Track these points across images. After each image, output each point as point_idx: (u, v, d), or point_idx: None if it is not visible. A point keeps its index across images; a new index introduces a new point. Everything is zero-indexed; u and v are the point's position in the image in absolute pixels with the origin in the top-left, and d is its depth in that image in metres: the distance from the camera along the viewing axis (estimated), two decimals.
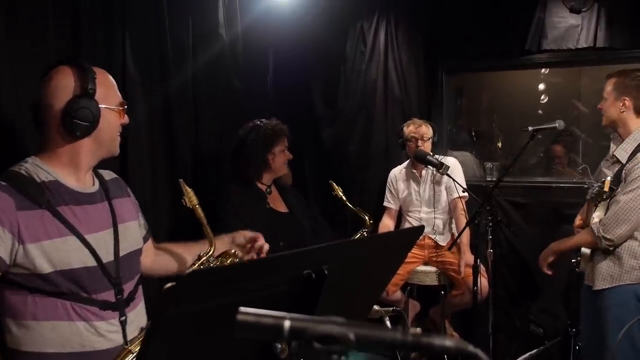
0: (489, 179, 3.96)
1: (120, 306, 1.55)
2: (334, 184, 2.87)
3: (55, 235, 1.44)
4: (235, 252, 1.88)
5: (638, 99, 2.54)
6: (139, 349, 1.47)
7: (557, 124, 2.91)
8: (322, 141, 4.12)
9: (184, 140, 2.99)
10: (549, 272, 2.77)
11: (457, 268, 3.33)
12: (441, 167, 3.09)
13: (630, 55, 3.47)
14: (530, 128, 2.93)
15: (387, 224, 3.66)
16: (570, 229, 2.83)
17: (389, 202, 3.68)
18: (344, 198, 2.85)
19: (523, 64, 3.85)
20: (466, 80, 4.51)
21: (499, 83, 4.68)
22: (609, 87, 2.61)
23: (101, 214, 1.59)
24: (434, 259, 3.49)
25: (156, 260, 1.86)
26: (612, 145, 2.69)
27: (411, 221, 3.59)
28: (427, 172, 3.53)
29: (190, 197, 1.79)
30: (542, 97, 4.57)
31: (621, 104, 2.56)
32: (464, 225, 3.15)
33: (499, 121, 4.68)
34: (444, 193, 3.52)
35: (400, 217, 3.72)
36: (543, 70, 4.35)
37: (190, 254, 1.86)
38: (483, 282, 3.13)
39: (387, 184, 3.70)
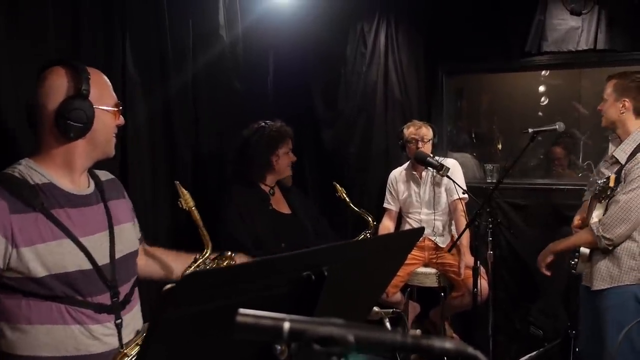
0: (489, 181, 3.96)
1: (116, 309, 1.54)
2: (338, 185, 2.87)
3: (49, 238, 1.42)
4: (231, 254, 1.87)
5: (638, 100, 2.56)
6: (138, 351, 1.46)
7: (557, 126, 2.92)
8: (322, 143, 4.12)
9: (184, 141, 2.99)
10: (548, 273, 2.78)
11: (457, 270, 3.33)
12: (441, 169, 3.09)
13: (630, 57, 3.47)
14: (530, 130, 2.93)
15: (387, 225, 3.65)
16: (570, 230, 2.83)
17: (389, 204, 3.68)
18: (348, 199, 2.85)
19: (523, 66, 3.85)
20: (466, 82, 4.51)
21: (499, 85, 4.68)
22: (608, 88, 2.63)
23: (96, 216, 1.57)
24: (434, 260, 3.49)
25: (144, 264, 1.83)
26: (610, 146, 2.70)
27: (411, 223, 3.59)
28: (427, 174, 3.53)
29: (187, 199, 1.79)
30: (543, 99, 4.57)
31: (621, 105, 2.58)
32: (464, 226, 3.15)
33: (499, 123, 4.68)
34: (444, 195, 3.52)
35: (400, 218, 3.71)
36: (543, 72, 4.35)
37: (179, 263, 1.83)
38: (483, 283, 3.12)
39: (387, 185, 3.70)
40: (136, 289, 1.67)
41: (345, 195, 2.86)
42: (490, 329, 3.03)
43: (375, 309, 2.24)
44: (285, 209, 3.05)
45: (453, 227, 3.55)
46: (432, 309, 3.72)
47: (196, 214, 1.80)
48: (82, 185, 1.58)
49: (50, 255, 1.41)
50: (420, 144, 3.44)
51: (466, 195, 3.25)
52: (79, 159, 1.54)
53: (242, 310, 0.69)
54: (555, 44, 3.61)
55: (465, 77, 4.37)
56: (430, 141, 3.50)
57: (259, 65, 3.76)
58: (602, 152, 3.02)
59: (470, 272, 2.99)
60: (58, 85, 1.49)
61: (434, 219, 3.52)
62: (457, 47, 3.83)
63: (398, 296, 3.45)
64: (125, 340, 1.54)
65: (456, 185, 3.16)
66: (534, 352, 3.03)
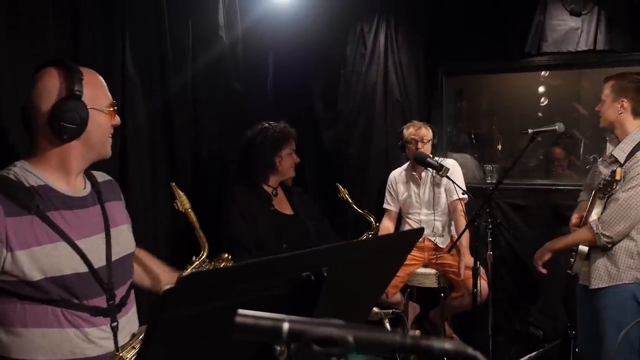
0: (489, 181, 3.96)
1: (112, 312, 1.52)
2: (340, 186, 2.87)
3: (45, 241, 1.41)
4: (228, 256, 1.86)
5: (635, 101, 2.59)
6: (138, 351, 1.45)
7: (557, 127, 2.93)
8: (322, 143, 4.12)
9: (184, 141, 2.99)
10: (544, 271, 2.79)
11: (457, 270, 3.33)
12: (441, 169, 3.09)
13: (630, 58, 3.48)
14: (530, 130, 2.93)
15: (387, 226, 3.65)
16: (569, 230, 2.84)
17: (389, 204, 3.68)
18: (350, 200, 2.86)
19: (523, 67, 3.85)
20: (466, 83, 4.51)
21: (499, 85, 4.68)
22: (606, 89, 2.66)
23: (93, 218, 1.56)
24: (434, 261, 3.49)
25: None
26: (608, 146, 2.72)
27: (411, 223, 3.59)
28: (427, 174, 3.53)
29: (183, 201, 1.78)
30: (542, 99, 4.56)
31: (619, 106, 2.60)
32: (463, 227, 3.15)
33: (498, 123, 4.68)
34: (443, 195, 3.53)
35: (400, 219, 3.71)
36: (543, 72, 4.35)
37: (164, 276, 1.81)
38: (483, 284, 3.12)
39: (387, 186, 3.70)
40: (132, 291, 1.65)
41: (347, 197, 2.87)
42: (490, 329, 3.03)
43: (375, 309, 2.23)
44: (288, 210, 3.05)
45: (453, 228, 3.55)
46: (431, 309, 3.72)
47: (192, 216, 1.79)
48: (78, 187, 1.56)
49: (46, 259, 1.39)
50: (419, 145, 3.44)
51: (466, 196, 3.25)
52: (74, 160, 1.52)
53: (241, 311, 0.69)
54: (555, 44, 3.61)
55: (465, 77, 4.37)
56: (430, 142, 3.50)
57: (258, 66, 3.76)
58: (601, 152, 3.02)
59: (470, 273, 2.99)
60: (51, 86, 1.47)
61: (434, 220, 3.52)
62: (456, 48, 3.83)
63: (398, 297, 3.45)
64: (120, 343, 1.53)
65: (456, 186, 3.16)
66: (534, 353, 3.03)
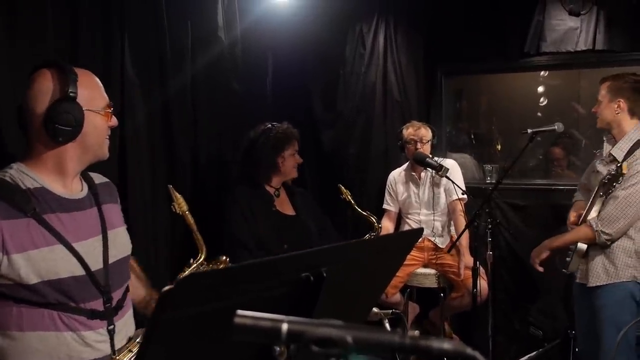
0: (488, 181, 3.96)
1: (109, 315, 1.51)
2: (342, 187, 2.87)
3: (42, 244, 1.39)
4: (226, 258, 1.86)
5: (632, 101, 2.61)
6: (137, 352, 1.45)
7: (556, 127, 2.93)
8: (322, 144, 4.11)
9: (183, 142, 2.99)
10: (541, 269, 2.80)
11: (457, 270, 3.33)
12: (440, 170, 3.09)
13: (629, 57, 3.48)
14: (529, 130, 2.93)
15: (386, 226, 3.65)
16: (568, 230, 2.84)
17: (389, 205, 3.68)
18: (353, 202, 2.86)
19: (522, 67, 3.85)
20: (465, 83, 4.51)
21: (498, 85, 4.68)
22: (603, 90, 2.68)
23: (90, 221, 1.54)
24: (434, 261, 3.49)
25: None
26: (605, 145, 2.74)
27: (410, 223, 3.59)
28: (426, 175, 3.53)
29: (180, 204, 1.78)
30: (541, 99, 4.56)
31: (616, 106, 2.62)
32: (463, 227, 3.15)
33: (498, 123, 4.68)
34: (443, 195, 3.53)
35: (399, 219, 3.71)
36: (542, 72, 4.35)
37: (142, 290, 1.78)
38: (482, 284, 3.12)
39: (387, 186, 3.70)
40: (128, 294, 1.64)
41: (350, 198, 2.87)
42: (490, 329, 3.03)
43: (375, 309, 2.23)
44: (290, 211, 3.05)
45: (452, 228, 3.55)
46: (431, 309, 3.72)
47: (190, 219, 1.78)
48: (74, 189, 1.55)
49: (42, 262, 1.38)
50: (419, 145, 3.44)
51: (465, 196, 3.25)
52: (70, 162, 1.51)
53: (240, 312, 0.69)
54: (554, 44, 3.61)
55: (464, 77, 4.37)
56: (429, 142, 3.50)
57: (257, 67, 3.76)
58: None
59: (469, 273, 3.00)
60: (45, 88, 1.45)
61: (433, 220, 3.52)
62: (456, 48, 3.83)
63: (397, 297, 3.45)
64: (117, 346, 1.52)
65: (455, 186, 3.16)
66: (534, 353, 3.03)
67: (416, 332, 3.51)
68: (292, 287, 0.96)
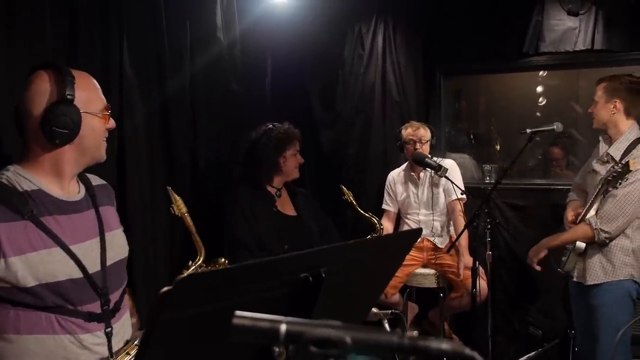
0: (488, 181, 3.96)
1: (106, 317, 1.50)
2: (344, 188, 2.87)
3: (39, 247, 1.38)
4: (224, 260, 1.86)
5: (628, 101, 2.64)
6: (137, 353, 1.45)
7: (555, 127, 2.94)
8: (321, 144, 4.11)
9: (182, 142, 2.99)
10: (539, 268, 2.81)
11: (456, 270, 3.33)
12: (439, 170, 3.09)
13: (627, 57, 3.48)
14: (528, 130, 2.94)
15: (386, 226, 3.64)
16: (566, 229, 2.84)
17: (388, 205, 3.68)
18: (354, 203, 2.86)
19: (521, 67, 3.85)
20: (464, 83, 4.51)
21: (497, 85, 4.68)
22: (599, 91, 2.72)
23: (87, 223, 1.53)
24: (433, 261, 3.49)
25: None
26: (602, 145, 2.76)
27: (410, 224, 3.59)
28: (426, 175, 3.53)
29: (179, 206, 1.77)
30: (540, 99, 4.57)
31: (612, 106, 2.65)
32: (462, 227, 3.15)
33: (497, 123, 4.69)
34: (442, 195, 3.53)
35: (398, 219, 3.72)
36: (541, 72, 4.35)
37: (134, 328, 1.76)
38: (482, 284, 3.12)
39: (386, 186, 3.71)
40: (125, 297, 1.63)
41: (352, 199, 2.87)
42: (489, 329, 3.03)
43: (374, 310, 2.23)
44: (291, 211, 3.05)
45: (451, 228, 3.55)
46: (431, 309, 3.72)
47: (189, 220, 1.78)
48: (72, 191, 1.53)
49: (40, 264, 1.37)
50: (418, 145, 3.44)
51: (464, 196, 3.25)
52: (67, 165, 1.50)
53: (239, 313, 0.69)
54: (553, 44, 3.61)
55: (463, 78, 4.37)
56: (428, 142, 3.50)
57: (256, 67, 3.76)
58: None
59: (469, 273, 2.99)
60: (42, 90, 1.44)
61: (433, 220, 3.52)
62: (454, 48, 3.83)
63: (397, 297, 3.45)
64: (114, 349, 1.51)
65: (454, 186, 3.16)
66: (533, 353, 3.03)
67: (415, 333, 3.51)
68: (291, 287, 0.96)
